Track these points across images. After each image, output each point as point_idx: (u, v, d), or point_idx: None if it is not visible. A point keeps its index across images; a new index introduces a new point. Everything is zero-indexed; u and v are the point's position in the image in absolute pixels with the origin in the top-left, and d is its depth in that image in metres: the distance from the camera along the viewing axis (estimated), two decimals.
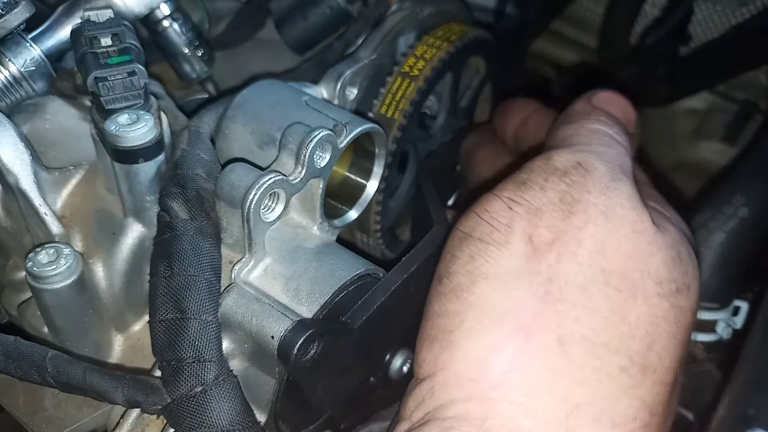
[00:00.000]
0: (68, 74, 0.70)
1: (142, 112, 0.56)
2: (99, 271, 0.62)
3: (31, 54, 0.66)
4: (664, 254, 0.45)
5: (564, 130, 0.54)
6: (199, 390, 0.50)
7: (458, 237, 0.48)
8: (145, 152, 0.56)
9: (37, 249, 0.57)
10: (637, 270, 0.44)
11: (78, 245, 0.63)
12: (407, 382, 0.51)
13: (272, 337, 0.52)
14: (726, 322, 0.75)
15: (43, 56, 0.66)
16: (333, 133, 0.58)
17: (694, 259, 0.48)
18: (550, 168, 0.48)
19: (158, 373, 0.53)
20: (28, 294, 0.65)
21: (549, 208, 0.45)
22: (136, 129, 0.55)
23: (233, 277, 0.56)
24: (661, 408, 0.43)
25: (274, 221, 0.58)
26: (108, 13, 0.62)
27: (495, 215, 0.46)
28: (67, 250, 0.58)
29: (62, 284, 0.57)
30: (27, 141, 0.62)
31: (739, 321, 0.76)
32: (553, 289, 0.43)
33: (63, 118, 0.67)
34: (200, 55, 0.79)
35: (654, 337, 0.43)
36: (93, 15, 0.61)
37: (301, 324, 0.52)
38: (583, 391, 0.41)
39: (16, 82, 0.66)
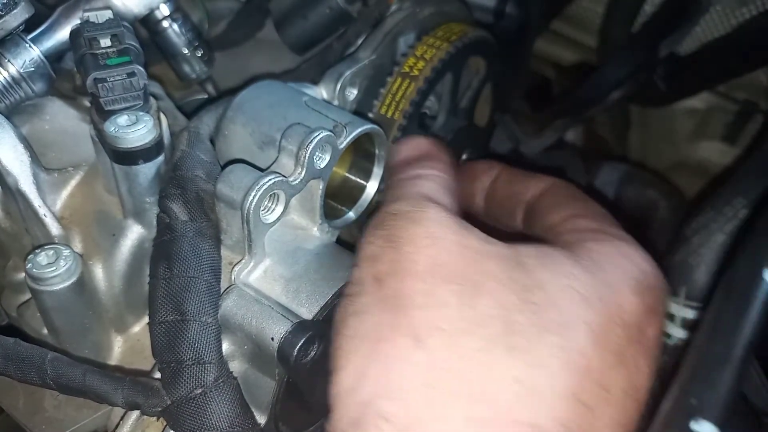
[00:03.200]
0: (68, 75, 0.70)
1: (141, 113, 0.56)
2: (98, 272, 0.62)
3: (30, 55, 0.66)
4: (501, 262, 0.48)
5: (388, 196, 0.58)
6: (199, 392, 0.50)
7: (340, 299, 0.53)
8: (145, 153, 0.56)
9: (36, 250, 0.57)
10: (476, 272, 0.47)
11: (77, 247, 0.63)
12: None
13: (272, 339, 0.52)
14: None
15: (42, 57, 0.66)
16: (333, 134, 0.58)
17: (548, 270, 0.49)
18: (369, 227, 0.52)
19: (158, 375, 0.53)
20: (28, 295, 0.65)
21: (381, 250, 0.50)
22: (135, 130, 0.55)
23: (233, 278, 0.56)
24: (547, 389, 0.44)
25: (274, 222, 0.58)
26: (107, 14, 0.61)
27: (352, 279, 0.51)
28: (66, 252, 0.57)
29: (62, 286, 0.57)
30: (26, 142, 0.62)
31: None
32: (400, 303, 0.47)
33: (62, 119, 0.67)
34: (200, 55, 0.79)
35: (513, 325, 0.45)
36: (92, 16, 0.61)
37: (301, 325, 0.52)
38: (447, 374, 0.44)
39: (15, 83, 0.66)
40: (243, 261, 0.56)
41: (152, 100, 0.60)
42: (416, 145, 0.62)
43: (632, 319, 0.48)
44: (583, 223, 0.56)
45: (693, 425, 0.38)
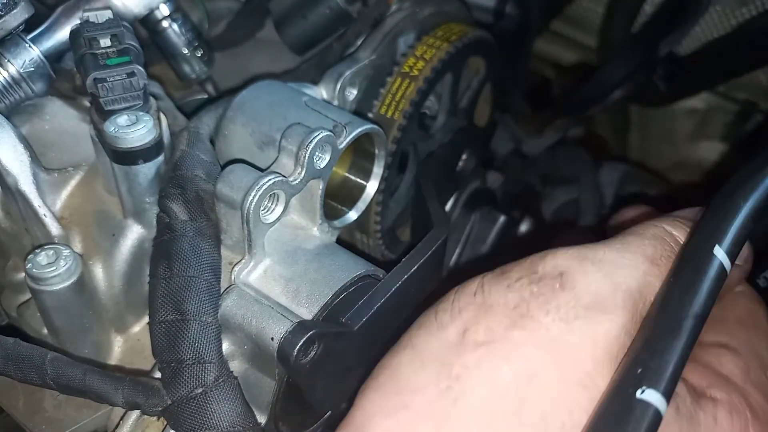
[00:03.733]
0: (67, 75, 0.70)
1: (141, 113, 0.56)
2: (98, 272, 0.62)
3: (30, 55, 0.66)
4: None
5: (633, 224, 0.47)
6: (199, 391, 0.50)
7: (433, 306, 0.46)
8: (145, 153, 0.56)
9: (36, 250, 0.57)
10: (561, 421, 0.38)
11: (77, 246, 0.62)
12: None
13: (272, 339, 0.52)
14: None
15: (42, 57, 0.66)
16: (333, 134, 0.58)
17: None
18: (530, 268, 0.43)
19: (158, 375, 0.53)
20: (28, 295, 0.65)
21: (501, 310, 0.41)
22: (135, 130, 0.55)
23: (233, 278, 0.56)
24: None
25: (274, 222, 0.58)
26: (107, 14, 0.61)
27: (459, 295, 0.44)
28: (66, 252, 0.57)
29: (61, 286, 0.57)
30: (26, 142, 0.62)
31: None
32: (457, 388, 0.40)
33: (62, 119, 0.67)
34: (199, 55, 0.79)
35: None
36: (92, 16, 0.61)
37: (301, 325, 0.52)
38: None
39: (15, 83, 0.66)
40: (243, 261, 0.56)
41: (152, 100, 0.60)
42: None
43: None
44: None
45: (639, 394, 0.37)
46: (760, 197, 0.43)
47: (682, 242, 0.45)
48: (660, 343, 0.39)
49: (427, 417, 0.40)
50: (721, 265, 0.41)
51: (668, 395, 0.37)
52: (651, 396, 0.37)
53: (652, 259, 0.44)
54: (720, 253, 0.41)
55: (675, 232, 0.46)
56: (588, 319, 0.40)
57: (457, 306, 0.43)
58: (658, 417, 0.36)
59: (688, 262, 0.42)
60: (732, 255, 0.42)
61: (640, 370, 0.38)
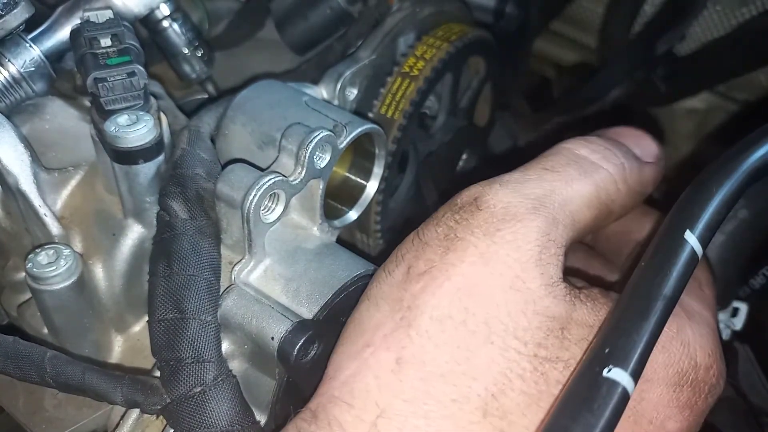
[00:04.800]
0: (68, 75, 0.70)
1: (141, 113, 0.56)
2: (99, 272, 0.62)
3: (30, 54, 0.66)
4: (541, 320, 0.43)
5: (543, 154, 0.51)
6: (198, 390, 0.50)
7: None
8: (145, 153, 0.56)
9: (36, 250, 0.57)
10: (501, 322, 0.42)
11: (78, 246, 0.63)
12: None
13: (272, 339, 0.52)
14: (725, 324, 0.75)
15: (42, 57, 0.66)
16: (333, 134, 0.58)
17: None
18: (451, 203, 0.48)
19: (158, 374, 0.53)
20: (28, 295, 0.65)
21: (434, 243, 0.46)
22: (135, 130, 0.55)
23: (233, 278, 0.56)
24: None
25: (274, 222, 0.58)
26: (107, 14, 0.61)
27: (400, 247, 0.48)
28: (66, 251, 0.58)
29: (62, 285, 0.57)
30: (26, 142, 0.62)
31: (738, 322, 0.76)
32: (409, 316, 0.44)
33: (63, 119, 0.67)
34: (200, 55, 0.79)
35: (504, 390, 0.41)
36: (92, 15, 0.61)
37: (302, 325, 0.52)
38: (406, 407, 0.42)
39: (15, 82, 0.66)
40: (243, 260, 0.56)
41: (152, 99, 0.60)
42: (628, 131, 0.55)
43: (655, 414, 0.44)
44: None
45: (605, 373, 0.37)
46: (734, 184, 0.44)
47: (579, 154, 0.50)
48: (628, 323, 0.39)
49: (388, 347, 0.44)
50: (692, 250, 0.42)
51: (636, 375, 0.38)
52: (618, 375, 0.37)
53: (552, 168, 0.49)
54: (692, 238, 0.42)
55: (570, 145, 0.51)
56: (506, 229, 0.45)
57: (400, 254, 0.48)
58: (625, 395, 0.37)
59: (660, 246, 0.43)
60: (704, 240, 0.43)
61: (607, 350, 0.39)
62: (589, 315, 0.44)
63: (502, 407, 0.42)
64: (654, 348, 0.39)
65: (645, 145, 0.55)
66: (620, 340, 0.39)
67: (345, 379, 0.44)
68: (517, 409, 0.42)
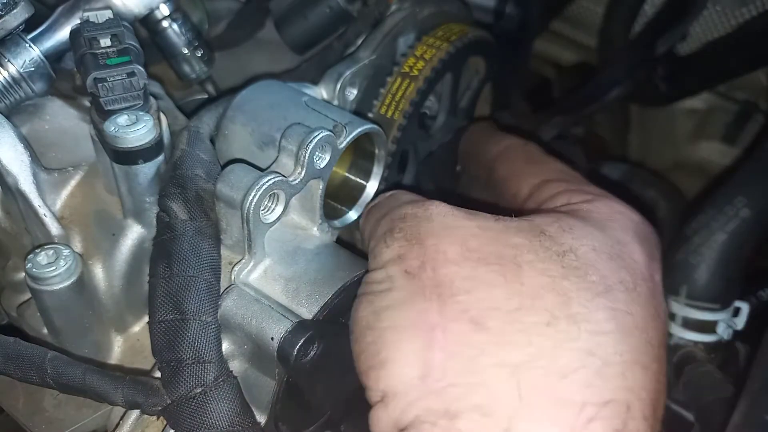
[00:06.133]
0: (67, 75, 0.70)
1: (141, 113, 0.56)
2: (98, 272, 0.62)
3: (30, 55, 0.66)
4: (526, 234, 0.48)
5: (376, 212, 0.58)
6: (198, 391, 0.50)
7: (357, 298, 0.53)
8: (145, 153, 0.56)
9: (36, 250, 0.57)
10: (505, 248, 0.47)
11: (77, 246, 0.62)
12: None
13: (272, 339, 0.52)
14: (726, 323, 0.75)
15: (42, 57, 0.66)
16: (333, 134, 0.58)
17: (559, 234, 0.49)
18: (379, 235, 0.53)
19: (158, 374, 0.53)
20: (28, 295, 0.65)
21: (405, 249, 0.50)
22: (135, 130, 0.55)
23: (233, 278, 0.56)
24: (617, 357, 0.43)
25: (274, 222, 0.58)
26: (107, 14, 0.61)
27: (373, 279, 0.51)
28: (66, 252, 0.57)
29: (61, 285, 0.57)
30: (26, 142, 0.62)
31: (739, 322, 0.76)
32: (443, 291, 0.46)
33: (62, 119, 0.67)
34: (200, 55, 0.79)
35: (567, 293, 0.45)
36: (92, 16, 0.61)
37: (301, 325, 0.52)
38: (519, 352, 0.43)
39: (15, 82, 0.66)
40: (243, 261, 0.56)
41: (152, 99, 0.60)
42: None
43: (645, 270, 0.48)
44: (559, 186, 0.56)
45: None
46: None
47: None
48: None
49: (451, 317, 0.46)
50: None
51: None
52: None
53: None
54: None
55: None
56: (437, 213, 0.51)
57: (377, 272, 0.52)
58: None
59: None
60: None
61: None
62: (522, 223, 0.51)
63: (579, 308, 0.45)
64: None
65: None
66: None
67: (440, 364, 0.45)
68: (587, 303, 0.45)
